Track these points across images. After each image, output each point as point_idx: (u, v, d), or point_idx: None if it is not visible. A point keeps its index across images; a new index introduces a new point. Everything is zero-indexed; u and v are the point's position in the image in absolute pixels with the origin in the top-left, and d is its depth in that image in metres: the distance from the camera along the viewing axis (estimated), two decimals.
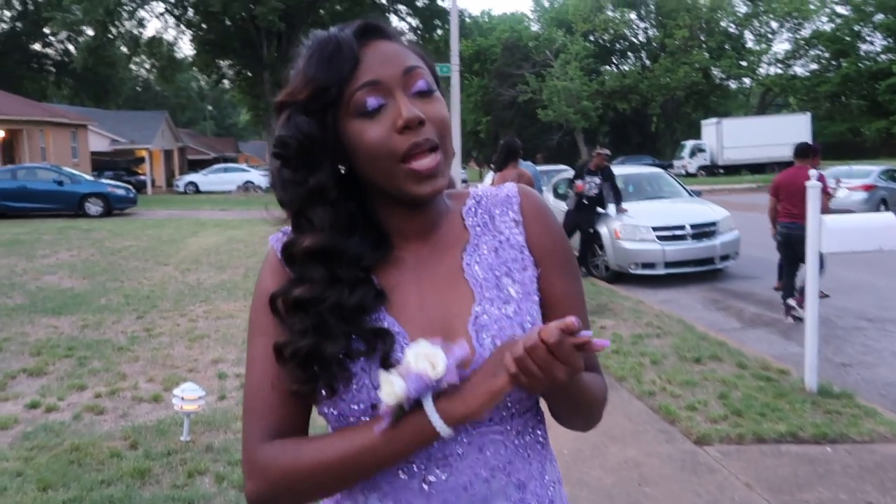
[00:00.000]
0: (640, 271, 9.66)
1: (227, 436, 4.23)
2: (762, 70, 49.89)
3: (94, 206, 20.64)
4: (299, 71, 0.96)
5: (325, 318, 0.93)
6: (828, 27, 45.82)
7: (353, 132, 0.94)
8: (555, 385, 0.86)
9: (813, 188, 4.92)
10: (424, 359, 0.87)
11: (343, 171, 0.98)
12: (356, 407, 0.94)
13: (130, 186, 23.43)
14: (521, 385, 0.86)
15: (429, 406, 0.89)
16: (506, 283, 1.00)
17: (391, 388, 0.87)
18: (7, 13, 50.42)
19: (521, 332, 0.96)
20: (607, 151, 10.44)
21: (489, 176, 9.39)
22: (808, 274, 4.97)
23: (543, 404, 1.05)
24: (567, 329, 0.83)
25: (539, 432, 1.04)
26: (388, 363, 0.93)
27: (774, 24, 48.50)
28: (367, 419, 0.93)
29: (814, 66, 47.74)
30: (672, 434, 4.30)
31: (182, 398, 4.13)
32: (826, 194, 7.11)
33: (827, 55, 46.25)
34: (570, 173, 12.93)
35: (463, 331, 0.96)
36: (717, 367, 5.56)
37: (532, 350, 0.84)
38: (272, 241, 1.04)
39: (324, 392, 0.94)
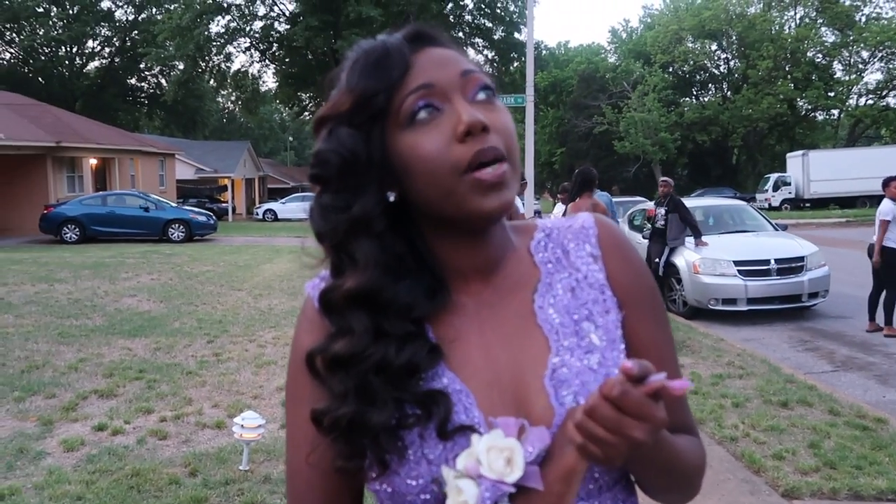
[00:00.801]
0: (720, 307, 9.22)
1: None
2: (852, 101, 47.96)
3: (176, 232, 21.38)
4: (343, 81, 0.82)
5: (368, 380, 0.78)
6: None
7: (406, 146, 0.79)
8: (635, 448, 0.68)
9: None
10: (498, 455, 0.72)
11: (392, 199, 0.82)
12: (413, 483, 0.78)
13: (211, 213, 24.19)
14: (595, 458, 0.70)
15: None
16: (587, 328, 0.84)
17: (461, 497, 0.72)
18: (107, 50, 53.52)
19: None
20: (668, 180, 10.13)
21: (558, 207, 9.13)
22: None
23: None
24: (629, 375, 0.66)
25: None
26: (445, 432, 0.77)
27: (865, 54, 46.61)
28: (428, 497, 0.78)
29: None
30: (757, 485, 3.97)
31: (242, 426, 4.07)
32: None
33: None
34: (647, 205, 12.66)
35: (538, 387, 0.80)
36: (807, 412, 5.16)
37: (594, 411, 0.68)
38: (308, 288, 0.89)
39: (375, 467, 0.79)
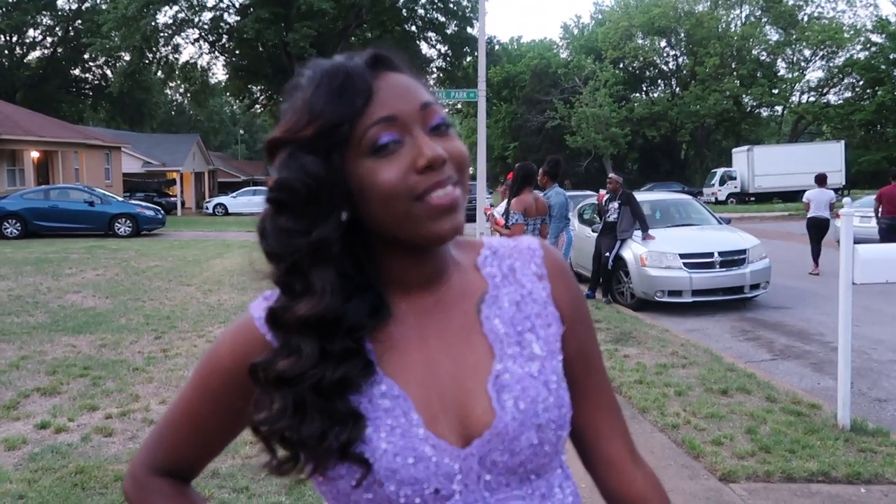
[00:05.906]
0: (666, 299, 9.45)
1: (235, 461, 4.13)
2: (795, 98, 49.39)
3: (123, 227, 20.93)
4: (302, 104, 0.82)
5: (305, 397, 0.81)
6: (862, 55, 45.27)
7: (365, 173, 0.81)
8: None
9: (846, 216, 4.73)
10: None
11: (344, 219, 0.84)
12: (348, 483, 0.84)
13: (159, 207, 23.74)
14: None
15: None
16: (529, 339, 0.90)
17: None
18: (49, 39, 51.88)
19: (546, 392, 0.86)
20: (616, 177, 10.28)
21: (502, 206, 9.11)
22: (841, 305, 4.76)
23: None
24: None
25: (568, 490, 0.92)
26: (346, 453, 0.81)
27: (807, 52, 48.05)
28: (370, 496, 0.83)
29: (848, 95, 47.11)
30: (696, 470, 4.11)
31: None
32: None
33: (861, 83, 45.64)
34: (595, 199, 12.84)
35: (480, 391, 0.85)
36: (745, 399, 5.34)
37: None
38: (252, 308, 0.91)
39: (310, 468, 0.84)
